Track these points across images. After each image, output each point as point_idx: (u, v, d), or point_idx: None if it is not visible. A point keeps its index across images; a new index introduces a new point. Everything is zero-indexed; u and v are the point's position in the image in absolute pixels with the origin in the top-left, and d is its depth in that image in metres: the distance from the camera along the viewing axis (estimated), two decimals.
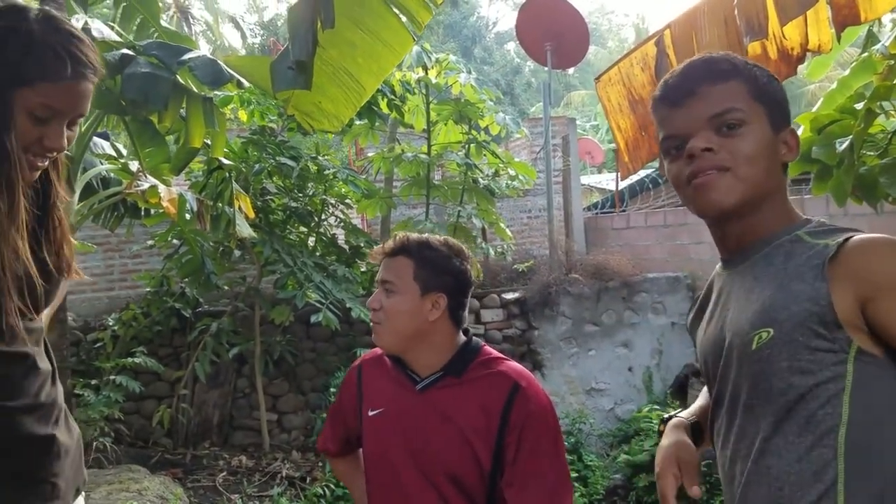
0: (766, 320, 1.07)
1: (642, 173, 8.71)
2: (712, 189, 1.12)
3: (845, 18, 1.60)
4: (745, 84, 1.13)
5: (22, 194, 1.11)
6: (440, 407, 1.50)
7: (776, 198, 1.15)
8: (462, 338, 1.58)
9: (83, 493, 1.31)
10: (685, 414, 1.39)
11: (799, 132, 2.20)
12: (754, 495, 1.09)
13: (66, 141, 1.14)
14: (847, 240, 1.06)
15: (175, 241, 5.19)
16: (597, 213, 9.04)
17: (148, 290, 5.57)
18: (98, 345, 5.31)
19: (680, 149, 1.15)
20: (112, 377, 4.66)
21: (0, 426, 1.14)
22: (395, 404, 1.54)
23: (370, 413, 1.57)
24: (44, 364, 1.22)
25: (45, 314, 1.29)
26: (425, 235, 1.59)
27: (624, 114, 2.00)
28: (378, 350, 1.65)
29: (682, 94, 1.15)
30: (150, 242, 5.45)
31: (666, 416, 1.41)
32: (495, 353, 1.59)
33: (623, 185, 9.02)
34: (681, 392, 6.23)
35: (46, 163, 1.17)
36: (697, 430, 1.35)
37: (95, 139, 4.49)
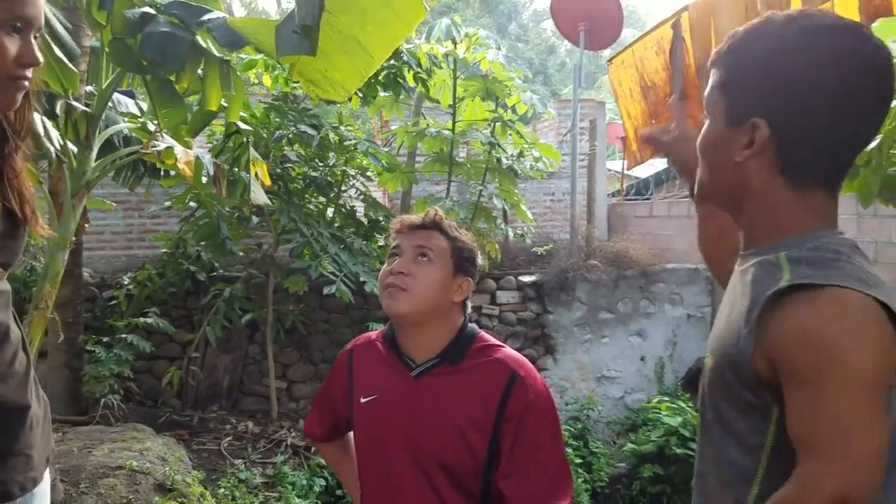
0: (711, 347, 1.02)
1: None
2: None
3: (876, 9, 1.48)
4: (719, 73, 1.04)
5: None
6: (435, 395, 1.45)
7: (761, 202, 1.00)
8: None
9: (51, 463, 1.28)
10: None
11: None
12: None
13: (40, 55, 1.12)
14: (792, 287, 0.89)
15: (192, 203, 5.19)
16: (618, 200, 8.90)
17: (164, 251, 5.59)
18: (113, 302, 5.36)
19: None
20: (124, 335, 4.70)
21: None
22: (389, 391, 1.50)
23: (362, 400, 1.52)
24: (15, 330, 1.17)
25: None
26: (453, 221, 1.58)
27: (635, 100, 1.89)
28: (371, 334, 1.62)
29: None
30: (167, 204, 5.46)
31: None
32: (492, 339, 1.54)
33: (649, 173, 8.86)
34: (691, 385, 6.13)
35: (27, 85, 1.13)
36: None
37: (120, 97, 4.49)
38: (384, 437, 1.48)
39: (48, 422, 1.25)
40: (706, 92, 1.01)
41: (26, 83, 1.13)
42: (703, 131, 1.02)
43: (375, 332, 1.64)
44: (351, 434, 1.62)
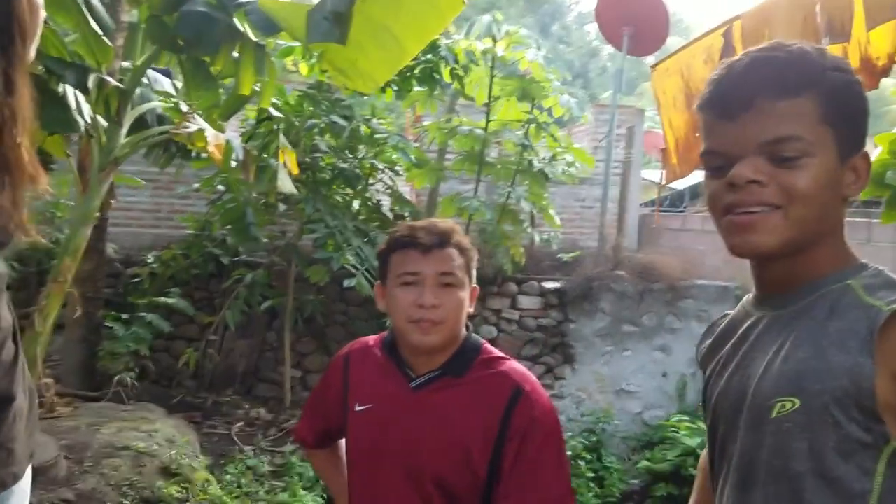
0: (793, 388, 0.89)
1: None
2: (753, 230, 0.94)
3: None
4: (817, 101, 0.91)
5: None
6: (436, 409, 1.37)
7: (832, 237, 0.97)
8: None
9: (34, 458, 1.21)
10: None
11: (876, 153, 1.98)
12: None
13: None
14: None
15: (220, 187, 5.18)
16: (652, 211, 8.75)
17: (190, 232, 5.60)
18: (136, 280, 5.37)
19: (723, 168, 0.96)
20: (143, 314, 4.70)
21: None
22: (386, 402, 1.41)
23: (357, 408, 1.44)
24: (6, 317, 1.09)
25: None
26: (451, 223, 1.46)
27: (678, 109, 1.78)
28: (368, 340, 1.54)
29: (736, 105, 0.93)
30: (196, 185, 5.46)
31: None
32: (496, 351, 1.46)
33: (685, 185, 8.70)
34: None
35: None
36: None
37: (156, 76, 4.47)
38: (378, 449, 1.40)
39: (34, 415, 1.18)
40: (790, 127, 0.91)
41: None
42: (810, 173, 0.92)
43: (373, 337, 1.55)
44: (342, 443, 1.54)
